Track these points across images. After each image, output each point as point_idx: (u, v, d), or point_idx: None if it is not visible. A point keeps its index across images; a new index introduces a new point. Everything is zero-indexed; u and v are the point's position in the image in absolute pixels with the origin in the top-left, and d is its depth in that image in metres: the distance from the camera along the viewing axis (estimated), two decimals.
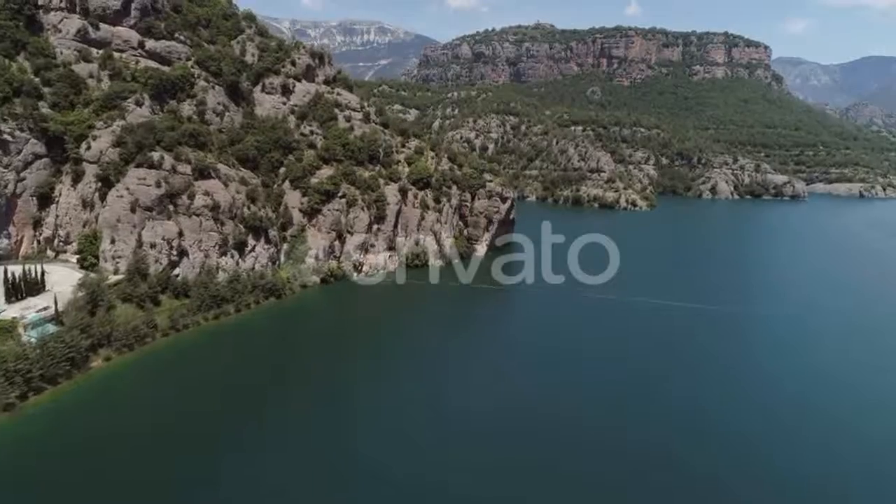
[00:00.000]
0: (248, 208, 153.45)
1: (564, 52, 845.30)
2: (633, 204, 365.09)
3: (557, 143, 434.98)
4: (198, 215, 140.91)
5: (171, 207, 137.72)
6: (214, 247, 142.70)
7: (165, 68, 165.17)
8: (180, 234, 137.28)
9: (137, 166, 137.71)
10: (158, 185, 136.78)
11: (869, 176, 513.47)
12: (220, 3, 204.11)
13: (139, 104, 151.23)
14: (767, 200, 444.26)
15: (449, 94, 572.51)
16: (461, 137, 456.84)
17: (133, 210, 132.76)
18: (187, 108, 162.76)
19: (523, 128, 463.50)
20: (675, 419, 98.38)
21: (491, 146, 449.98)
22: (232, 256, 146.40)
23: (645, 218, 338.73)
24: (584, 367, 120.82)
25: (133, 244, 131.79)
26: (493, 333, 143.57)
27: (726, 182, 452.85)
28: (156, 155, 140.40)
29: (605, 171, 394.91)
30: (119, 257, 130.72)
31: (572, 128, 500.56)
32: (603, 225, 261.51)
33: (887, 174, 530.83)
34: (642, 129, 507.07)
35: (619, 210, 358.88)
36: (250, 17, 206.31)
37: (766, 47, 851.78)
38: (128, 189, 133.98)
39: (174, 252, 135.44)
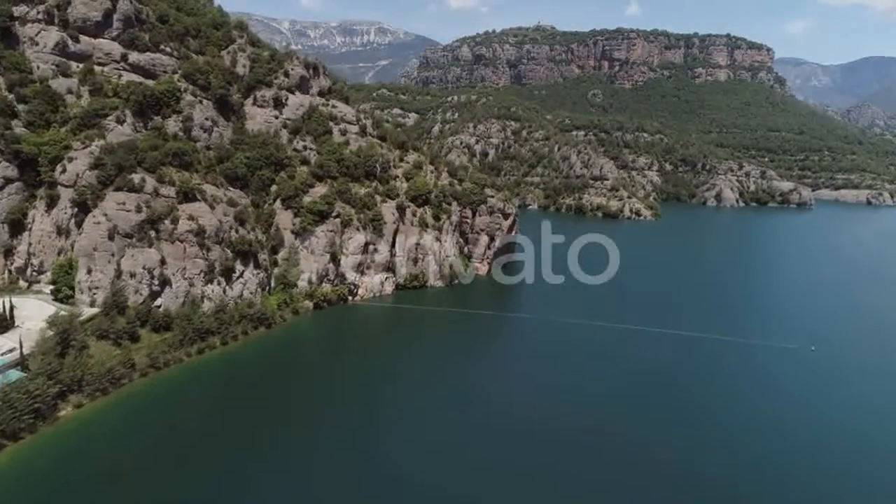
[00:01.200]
0: (237, 232, 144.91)
1: (565, 55, 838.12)
2: (638, 213, 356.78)
3: (559, 149, 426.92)
4: (181, 241, 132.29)
5: (152, 233, 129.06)
6: (199, 274, 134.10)
7: (150, 82, 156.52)
8: (162, 261, 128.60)
9: (116, 190, 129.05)
10: (139, 209, 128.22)
11: (876, 182, 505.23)
12: (211, 11, 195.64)
13: (120, 122, 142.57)
14: (773, 208, 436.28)
15: (449, 98, 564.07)
16: (461, 143, 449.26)
17: (111, 237, 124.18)
18: (173, 125, 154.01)
19: (524, 133, 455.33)
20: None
21: (492, 152, 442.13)
22: (218, 284, 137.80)
23: (650, 229, 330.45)
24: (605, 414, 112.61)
25: (111, 274, 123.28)
26: (492, 363, 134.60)
27: (731, 189, 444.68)
28: (136, 177, 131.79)
29: (608, 179, 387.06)
30: (96, 288, 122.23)
31: (574, 133, 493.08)
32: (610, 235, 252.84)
33: (895, 180, 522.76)
34: (645, 135, 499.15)
35: (623, 220, 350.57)
36: (242, 26, 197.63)
37: (768, 49, 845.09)
38: (105, 215, 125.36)
39: (156, 281, 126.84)
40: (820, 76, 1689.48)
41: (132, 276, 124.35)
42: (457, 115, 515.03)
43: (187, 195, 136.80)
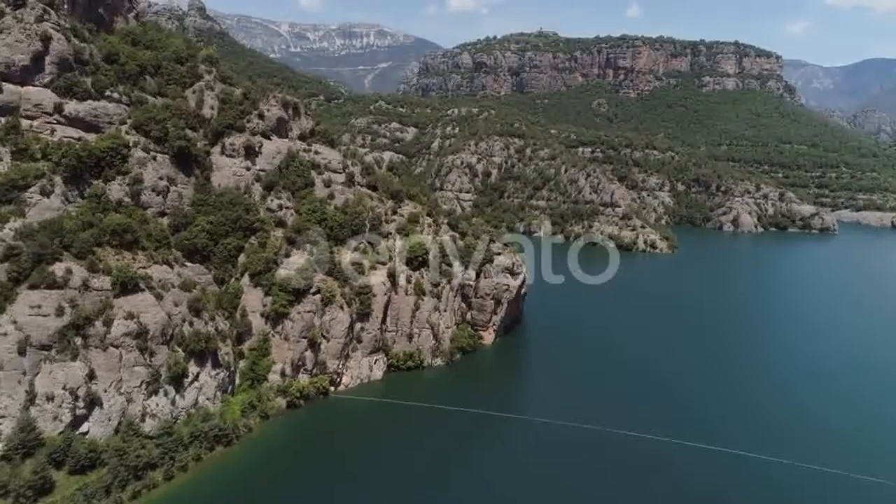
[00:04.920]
0: (191, 325, 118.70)
1: (569, 62, 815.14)
2: (653, 245, 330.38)
3: (566, 171, 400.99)
4: (116, 346, 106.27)
5: (77, 341, 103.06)
6: (140, 386, 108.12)
7: (92, 136, 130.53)
8: (90, 376, 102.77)
9: (32, 288, 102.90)
10: (60, 312, 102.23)
11: None
12: (175, 43, 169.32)
13: (46, 193, 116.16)
14: (794, 234, 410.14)
15: (449, 112, 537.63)
16: (462, 162, 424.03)
17: (22, 352, 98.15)
18: (117, 190, 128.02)
19: (529, 151, 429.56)
20: None
21: (494, 172, 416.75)
22: (166, 394, 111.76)
23: (668, 266, 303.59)
24: None
25: (21, 398, 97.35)
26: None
27: (749, 213, 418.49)
28: (60, 268, 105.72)
29: (619, 206, 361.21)
30: (1, 418, 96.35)
31: (580, 149, 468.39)
32: (621, 281, 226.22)
33: None
34: (655, 152, 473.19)
35: (637, 252, 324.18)
36: (211, 60, 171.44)
37: (777, 57, 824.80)
38: (15, 322, 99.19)
39: (80, 403, 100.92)
40: (821, 78, 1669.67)
41: (49, 399, 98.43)
42: (457, 129, 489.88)
43: (126, 286, 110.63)
